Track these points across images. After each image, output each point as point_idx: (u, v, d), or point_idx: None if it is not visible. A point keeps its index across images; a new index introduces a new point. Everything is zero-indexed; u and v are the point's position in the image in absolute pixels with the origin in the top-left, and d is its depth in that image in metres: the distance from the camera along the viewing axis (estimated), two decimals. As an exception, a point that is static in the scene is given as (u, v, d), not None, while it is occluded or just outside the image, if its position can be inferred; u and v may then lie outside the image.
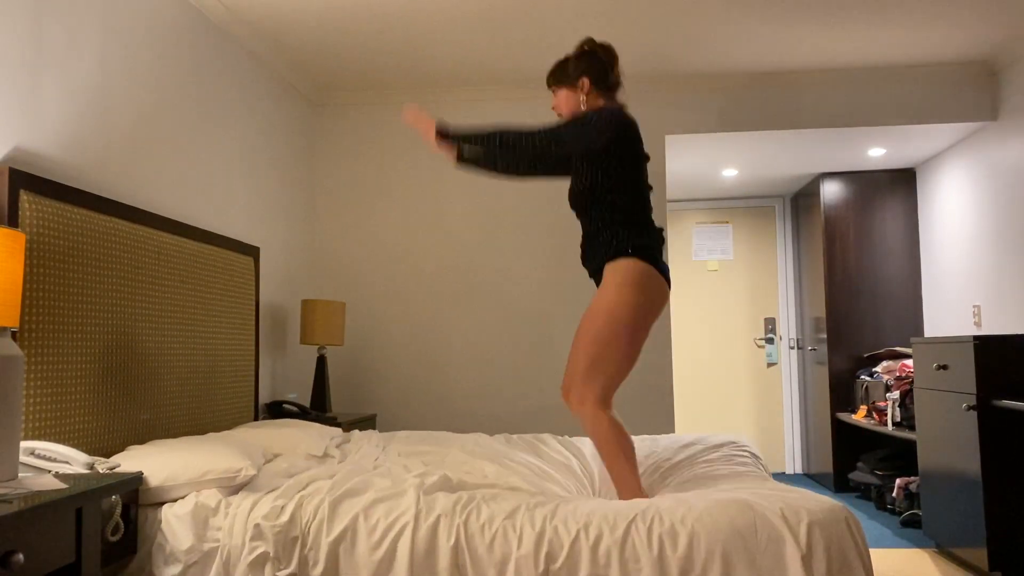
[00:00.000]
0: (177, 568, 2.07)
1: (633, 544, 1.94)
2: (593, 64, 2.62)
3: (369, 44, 3.90)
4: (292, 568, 2.02)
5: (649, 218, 2.52)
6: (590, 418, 2.38)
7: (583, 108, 2.62)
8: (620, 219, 2.46)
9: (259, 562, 2.03)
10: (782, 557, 1.91)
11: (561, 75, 2.66)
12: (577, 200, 2.56)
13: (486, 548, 1.97)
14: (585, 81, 2.62)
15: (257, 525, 2.05)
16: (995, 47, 4.05)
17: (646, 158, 2.56)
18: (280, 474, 2.41)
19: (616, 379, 2.41)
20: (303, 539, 2.04)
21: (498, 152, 2.46)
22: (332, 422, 3.70)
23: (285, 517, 2.06)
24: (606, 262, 2.45)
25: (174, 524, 2.10)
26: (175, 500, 2.16)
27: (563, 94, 2.66)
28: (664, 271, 2.47)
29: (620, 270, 2.41)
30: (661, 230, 2.55)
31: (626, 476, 2.33)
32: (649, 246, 2.44)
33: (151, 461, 2.18)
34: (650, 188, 2.56)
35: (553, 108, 2.74)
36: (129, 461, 2.18)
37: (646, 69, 4.30)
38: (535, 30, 3.76)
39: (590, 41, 2.66)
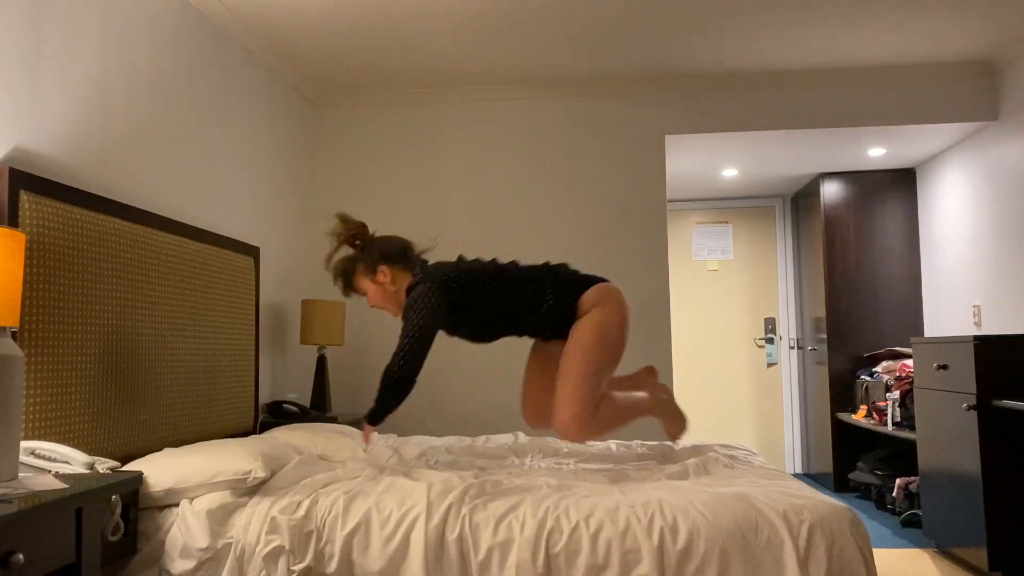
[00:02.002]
0: (191, 563, 2.07)
1: (634, 534, 1.96)
2: (381, 251, 2.61)
3: (369, 44, 3.90)
4: (308, 562, 2.03)
5: (544, 274, 2.58)
6: (590, 427, 2.45)
7: (394, 292, 2.62)
8: (532, 307, 2.55)
9: (273, 555, 2.04)
10: (780, 558, 1.92)
11: (351, 280, 2.64)
12: (494, 335, 2.64)
13: (490, 535, 2.00)
14: (385, 269, 2.60)
15: (273, 518, 2.07)
16: (995, 47, 4.05)
17: (480, 263, 2.59)
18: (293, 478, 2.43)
19: (599, 388, 2.51)
20: (319, 533, 2.06)
21: (396, 389, 2.46)
22: (332, 422, 3.70)
23: (301, 512, 2.09)
24: (572, 323, 2.55)
25: (190, 520, 2.11)
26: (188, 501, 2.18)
27: (371, 290, 2.63)
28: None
29: (587, 301, 2.54)
30: (559, 266, 2.64)
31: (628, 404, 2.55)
32: (573, 285, 2.56)
33: (163, 463, 2.20)
34: (514, 263, 2.63)
35: (371, 306, 2.72)
36: (142, 466, 2.21)
37: (646, 69, 4.30)
38: (534, 30, 3.76)
39: (354, 234, 2.65)
